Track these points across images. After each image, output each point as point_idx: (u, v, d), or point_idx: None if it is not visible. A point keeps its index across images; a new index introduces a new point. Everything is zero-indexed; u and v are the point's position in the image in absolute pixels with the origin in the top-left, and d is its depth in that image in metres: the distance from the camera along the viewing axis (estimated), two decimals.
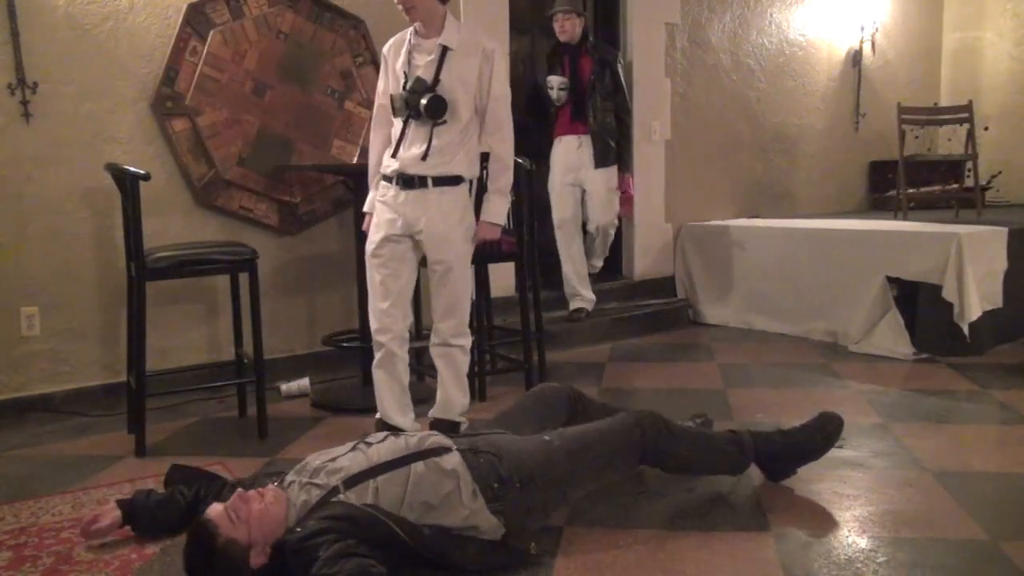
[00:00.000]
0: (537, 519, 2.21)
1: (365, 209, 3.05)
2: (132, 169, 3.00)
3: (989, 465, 2.76)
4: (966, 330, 4.12)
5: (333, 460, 2.12)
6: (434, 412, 3.05)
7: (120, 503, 2.29)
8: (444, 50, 2.79)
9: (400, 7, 2.78)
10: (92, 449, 3.11)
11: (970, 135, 5.42)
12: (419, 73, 2.80)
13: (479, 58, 2.81)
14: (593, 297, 4.82)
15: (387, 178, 2.91)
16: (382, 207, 2.92)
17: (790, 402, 3.50)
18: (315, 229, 4.12)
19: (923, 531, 2.23)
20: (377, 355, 2.97)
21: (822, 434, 2.52)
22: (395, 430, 2.85)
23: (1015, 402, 3.43)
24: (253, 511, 1.96)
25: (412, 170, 2.83)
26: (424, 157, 2.80)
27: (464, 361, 3.01)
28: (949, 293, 4.11)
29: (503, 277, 4.29)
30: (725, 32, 5.90)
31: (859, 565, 2.05)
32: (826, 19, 6.55)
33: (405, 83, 2.82)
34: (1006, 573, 2.02)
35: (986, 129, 6.67)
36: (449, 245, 2.87)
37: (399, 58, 2.88)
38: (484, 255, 3.53)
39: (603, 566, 2.08)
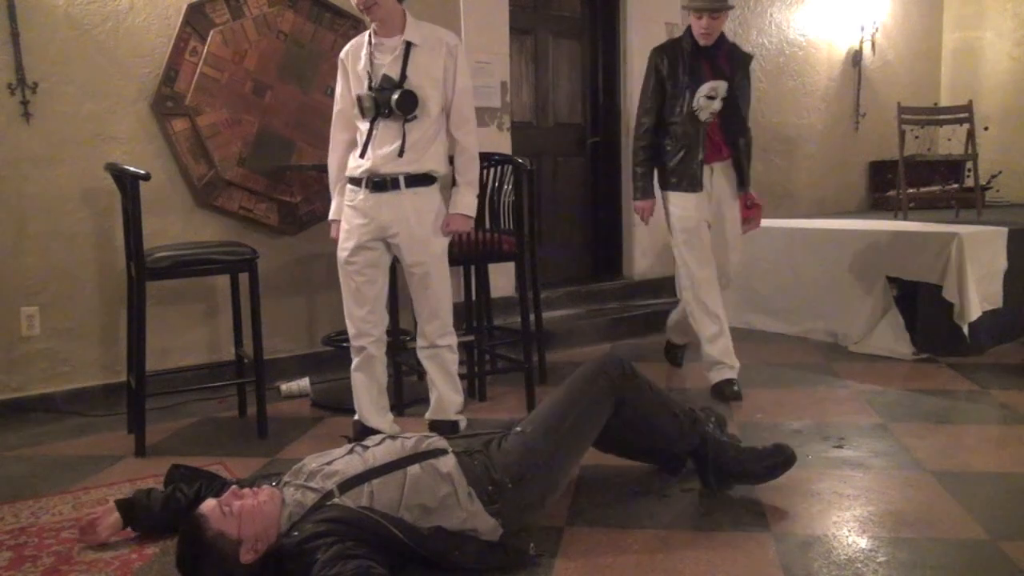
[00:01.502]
0: (536, 513, 2.21)
1: (332, 217, 3.01)
2: (132, 169, 3.00)
3: (989, 465, 2.76)
4: (966, 330, 4.12)
5: (329, 463, 2.12)
6: (430, 414, 3.04)
7: (119, 504, 2.28)
8: (408, 46, 2.79)
9: (360, 7, 2.75)
10: (92, 449, 3.11)
11: (970, 135, 5.42)
12: (384, 71, 2.79)
13: (443, 53, 2.82)
14: (738, 363, 3.68)
15: (355, 180, 2.88)
16: (351, 212, 2.88)
17: (790, 402, 3.50)
18: (315, 229, 4.12)
19: (923, 531, 2.23)
20: (356, 359, 2.98)
21: (769, 463, 2.48)
22: (374, 432, 2.85)
23: (1015, 402, 3.43)
24: (245, 506, 1.96)
25: (385, 169, 2.80)
26: (400, 153, 2.78)
27: (453, 360, 3.01)
28: (949, 293, 4.11)
29: (503, 277, 4.29)
30: (725, 32, 5.88)
31: (859, 565, 2.05)
32: (826, 19, 6.55)
33: (370, 83, 2.80)
34: (1006, 573, 2.02)
35: (986, 129, 6.67)
36: (426, 247, 2.86)
37: (359, 60, 2.86)
38: (484, 255, 3.54)
39: (603, 567, 2.07)
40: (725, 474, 2.48)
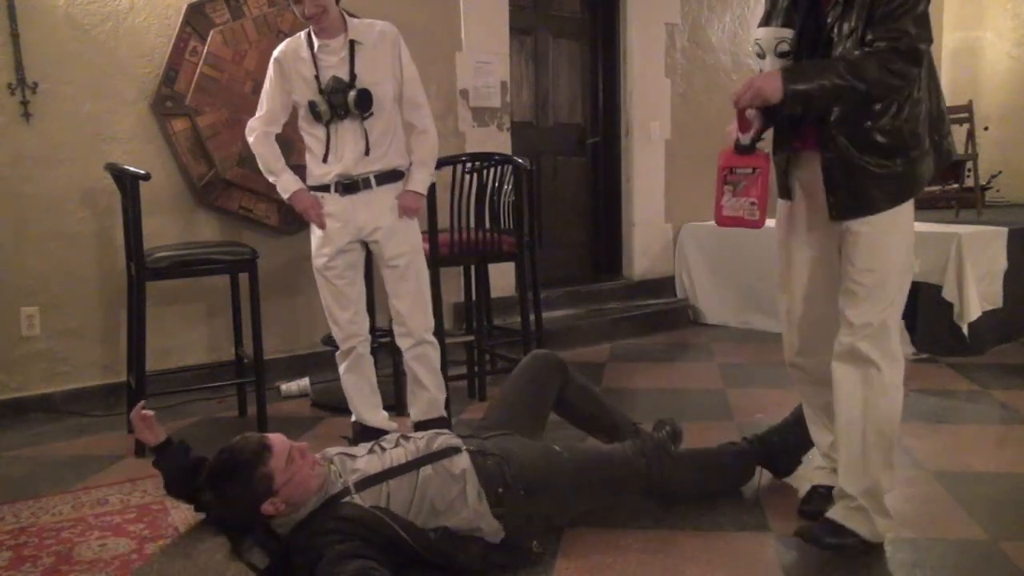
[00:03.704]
0: (537, 526, 2.20)
1: (294, 188, 2.85)
2: (132, 169, 3.00)
3: (989, 465, 2.76)
4: (966, 330, 4.12)
5: (352, 458, 2.14)
6: (419, 416, 3.00)
7: (169, 437, 2.35)
8: (353, 45, 2.77)
9: (307, 17, 2.70)
10: (92, 449, 3.11)
11: (970, 135, 5.42)
12: (333, 72, 2.77)
13: (388, 45, 2.81)
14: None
15: (322, 187, 2.85)
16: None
17: (790, 402, 3.46)
18: None
19: (923, 531, 2.23)
20: (346, 361, 2.98)
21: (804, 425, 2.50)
22: (375, 431, 2.86)
23: (1015, 402, 3.43)
24: (302, 471, 2.00)
25: (355, 170, 2.79)
26: (367, 152, 2.77)
27: (437, 356, 3.00)
28: (949, 293, 4.11)
29: (503, 277, 4.29)
30: (725, 32, 5.90)
31: (859, 565, 2.05)
32: None
33: (319, 87, 2.76)
34: (1006, 573, 2.03)
35: (986, 129, 6.67)
36: (405, 237, 2.87)
37: (301, 64, 2.80)
38: (484, 255, 3.54)
39: (603, 566, 2.08)
40: (785, 457, 2.56)
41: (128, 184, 3.01)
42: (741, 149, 2.15)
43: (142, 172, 2.99)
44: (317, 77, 2.77)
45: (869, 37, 1.99)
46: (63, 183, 3.52)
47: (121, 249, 3.31)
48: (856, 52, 1.99)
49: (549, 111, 5.31)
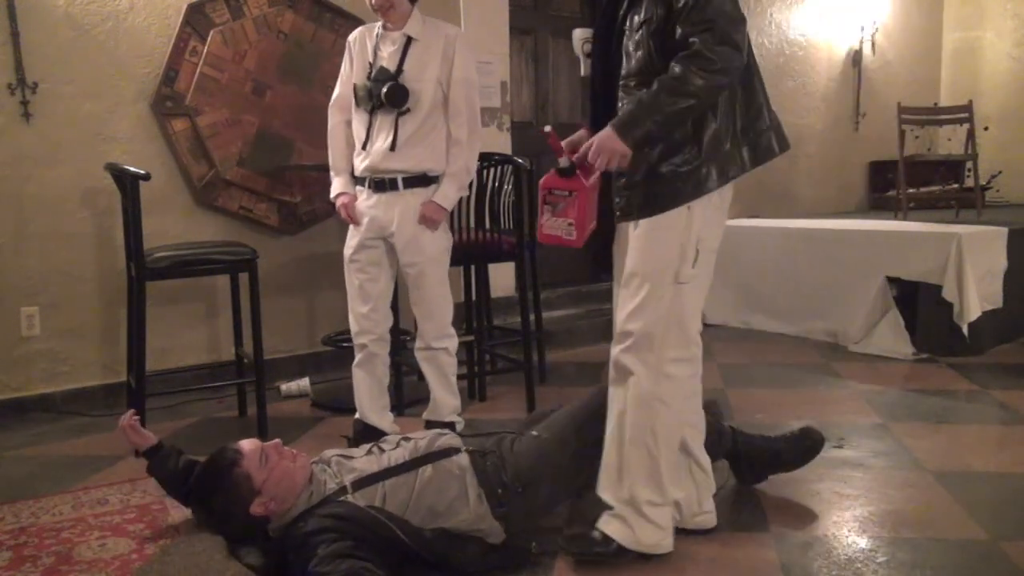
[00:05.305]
0: (539, 518, 2.21)
1: (339, 190, 2.92)
2: (132, 169, 3.00)
3: (989, 465, 2.76)
4: (966, 330, 4.12)
5: (349, 459, 2.15)
6: (427, 415, 3.06)
7: (160, 441, 2.34)
8: (408, 40, 2.81)
9: (376, 5, 2.76)
10: (92, 449, 3.11)
11: (970, 135, 5.42)
12: (383, 63, 2.82)
13: (443, 46, 2.83)
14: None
15: (359, 180, 2.90)
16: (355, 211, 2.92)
17: (790, 402, 3.50)
18: (315, 229, 4.12)
19: (923, 531, 2.23)
20: (357, 356, 2.99)
21: (800, 448, 2.49)
22: (376, 431, 2.87)
23: (1015, 402, 3.43)
24: (280, 465, 2.02)
25: (382, 166, 2.81)
26: (392, 147, 2.78)
27: (449, 362, 3.00)
28: (949, 293, 4.11)
29: (503, 277, 4.29)
30: None
31: (859, 565, 2.05)
32: (826, 19, 6.55)
33: (370, 73, 2.83)
34: (1006, 573, 2.02)
35: (986, 129, 6.68)
36: (420, 248, 2.86)
37: (365, 49, 2.89)
38: (484, 255, 3.54)
39: (603, 566, 2.07)
40: (757, 466, 2.50)
41: (128, 184, 3.01)
42: (561, 172, 2.18)
43: (142, 172, 2.99)
44: (371, 64, 2.83)
45: (680, 31, 1.90)
46: (63, 183, 3.52)
47: (121, 249, 3.31)
48: (675, 67, 1.90)
49: (549, 111, 5.31)
